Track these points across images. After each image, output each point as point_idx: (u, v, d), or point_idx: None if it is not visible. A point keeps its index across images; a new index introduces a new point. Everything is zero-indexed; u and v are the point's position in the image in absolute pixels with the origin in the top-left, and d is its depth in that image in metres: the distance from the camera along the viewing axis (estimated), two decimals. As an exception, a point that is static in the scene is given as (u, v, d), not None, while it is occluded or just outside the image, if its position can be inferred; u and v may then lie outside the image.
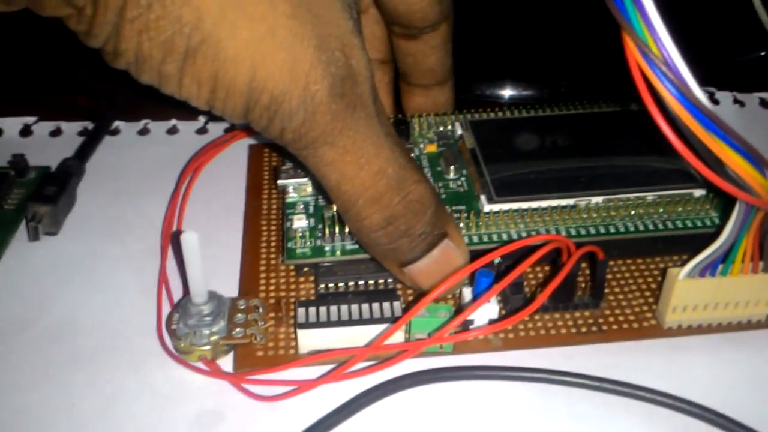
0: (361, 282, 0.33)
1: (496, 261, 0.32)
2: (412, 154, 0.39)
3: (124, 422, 0.28)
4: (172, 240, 0.36)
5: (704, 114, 0.23)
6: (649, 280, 0.34)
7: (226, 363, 0.30)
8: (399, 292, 0.33)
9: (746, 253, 0.29)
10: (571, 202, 0.35)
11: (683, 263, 0.32)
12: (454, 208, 0.35)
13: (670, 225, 0.34)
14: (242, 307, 0.31)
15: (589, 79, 0.49)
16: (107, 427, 0.28)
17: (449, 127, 0.41)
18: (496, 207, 0.35)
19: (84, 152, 0.42)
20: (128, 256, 0.36)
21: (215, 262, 0.34)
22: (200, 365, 0.30)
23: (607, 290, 0.33)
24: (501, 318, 0.31)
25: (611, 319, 0.32)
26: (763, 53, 0.50)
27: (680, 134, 0.24)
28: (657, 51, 0.23)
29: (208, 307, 0.29)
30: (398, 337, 0.30)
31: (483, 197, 0.35)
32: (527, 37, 0.51)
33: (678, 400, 0.28)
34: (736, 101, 0.49)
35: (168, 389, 0.29)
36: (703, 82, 0.24)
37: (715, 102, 0.49)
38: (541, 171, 0.36)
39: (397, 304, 0.31)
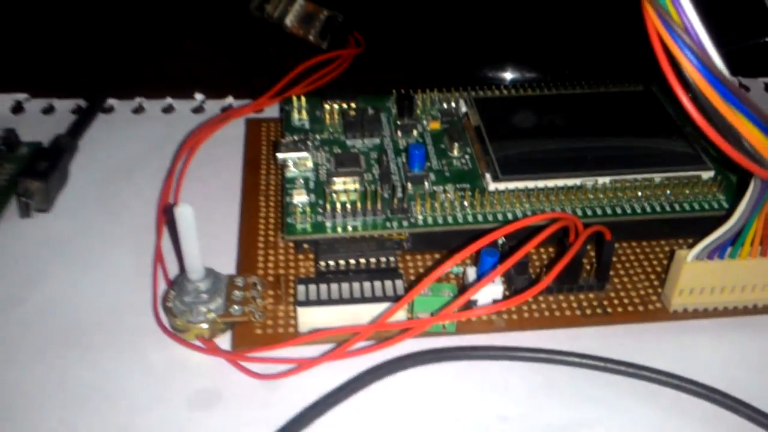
0: (362, 260, 0.32)
1: (501, 241, 0.32)
2: (415, 131, 0.38)
3: (119, 400, 0.27)
4: (167, 214, 0.35)
5: (725, 85, 0.23)
6: (655, 263, 0.34)
7: (224, 341, 0.30)
8: (401, 271, 0.32)
9: (756, 236, 0.29)
10: (577, 182, 0.34)
11: (690, 246, 0.31)
12: (457, 186, 0.34)
13: (677, 207, 0.34)
14: (240, 285, 0.30)
15: (593, 63, 0.48)
16: (102, 404, 0.27)
17: (453, 104, 0.40)
18: (501, 185, 0.34)
19: (77, 129, 0.41)
20: (123, 234, 0.35)
21: (212, 241, 0.33)
22: (197, 343, 0.29)
23: (612, 272, 0.33)
24: (505, 299, 0.31)
25: (616, 301, 0.32)
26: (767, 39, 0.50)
27: (699, 107, 0.23)
28: (678, 18, 0.22)
29: (204, 284, 0.29)
30: (401, 316, 0.29)
31: (488, 175, 0.34)
32: (530, 20, 0.50)
33: (684, 381, 0.28)
34: (741, 86, 0.49)
35: (164, 367, 0.29)
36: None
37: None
38: (546, 150, 0.36)
39: (399, 283, 0.30)
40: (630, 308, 0.31)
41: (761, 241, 0.29)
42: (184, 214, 0.26)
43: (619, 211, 0.33)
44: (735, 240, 0.29)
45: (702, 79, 0.22)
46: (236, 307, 0.29)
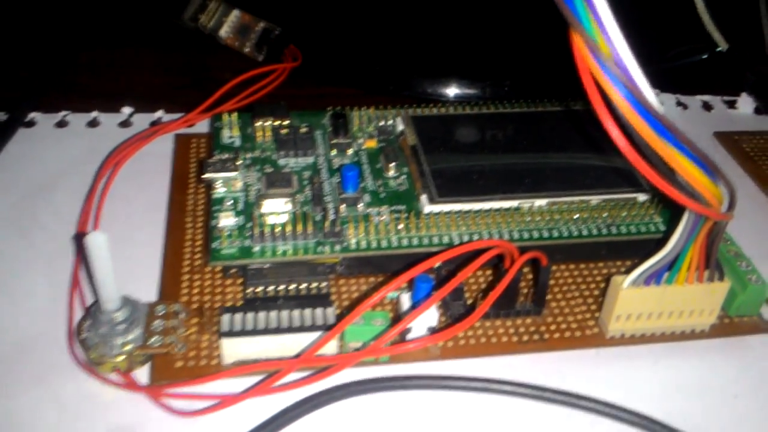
0: (292, 286, 0.30)
1: (437, 265, 0.31)
2: (351, 150, 0.37)
3: (27, 441, 0.25)
4: (77, 241, 0.33)
5: (656, 118, 0.22)
6: (592, 286, 0.33)
7: (144, 374, 0.28)
8: (333, 298, 0.31)
9: (692, 263, 0.29)
10: (514, 204, 0.34)
11: (627, 269, 0.31)
12: (393, 208, 0.33)
13: (614, 230, 0.33)
14: (161, 313, 0.28)
15: (534, 77, 0.48)
16: (8, 446, 0.25)
17: (390, 122, 0.39)
18: (437, 208, 0.33)
19: (-6, 144, 0.39)
20: (38, 258, 0.33)
21: (134, 264, 0.32)
22: (114, 377, 0.27)
23: (549, 296, 0.32)
24: (441, 326, 0.30)
25: (553, 327, 0.31)
26: (705, 56, 0.51)
27: (630, 139, 0.23)
28: (607, 51, 0.21)
29: (121, 314, 0.27)
30: (331, 346, 0.28)
31: (424, 197, 0.34)
32: (470, 35, 0.50)
33: (620, 410, 0.27)
34: (679, 104, 0.49)
35: (78, 403, 0.27)
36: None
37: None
38: (484, 171, 0.35)
39: (330, 311, 0.29)
40: (567, 334, 0.31)
41: (697, 266, 0.29)
42: (95, 242, 0.24)
43: (555, 234, 0.33)
44: (671, 266, 0.29)
45: (632, 112, 0.22)
46: (156, 337, 0.27)
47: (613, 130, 0.22)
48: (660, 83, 0.50)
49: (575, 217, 0.33)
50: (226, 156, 0.34)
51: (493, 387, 0.28)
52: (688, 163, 0.23)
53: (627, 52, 0.21)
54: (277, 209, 0.32)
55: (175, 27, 0.52)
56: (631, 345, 0.31)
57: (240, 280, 0.32)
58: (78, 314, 0.30)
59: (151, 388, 0.27)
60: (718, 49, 0.50)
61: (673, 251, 0.28)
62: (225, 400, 0.26)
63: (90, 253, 0.24)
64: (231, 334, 0.27)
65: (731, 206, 0.26)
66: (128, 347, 0.27)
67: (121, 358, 0.27)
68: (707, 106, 0.49)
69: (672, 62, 0.51)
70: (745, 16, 0.52)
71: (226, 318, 0.28)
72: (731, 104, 0.50)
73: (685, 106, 0.49)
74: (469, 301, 0.32)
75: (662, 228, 0.34)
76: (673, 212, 0.34)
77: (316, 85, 0.49)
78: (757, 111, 0.49)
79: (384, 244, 0.32)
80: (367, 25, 0.51)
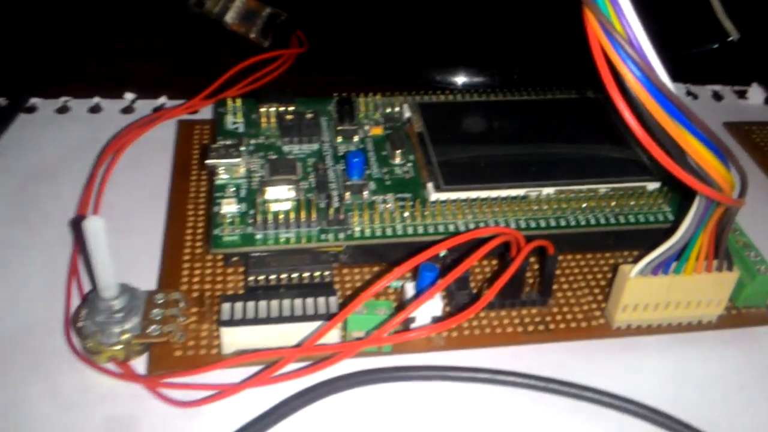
0: (295, 275, 0.30)
1: (442, 254, 0.30)
2: (356, 137, 0.36)
3: (24, 430, 0.25)
4: (75, 227, 0.33)
5: (669, 99, 0.21)
6: (599, 276, 0.33)
7: (142, 364, 0.27)
8: (336, 287, 0.30)
9: (701, 251, 0.28)
10: (521, 192, 0.33)
11: (634, 259, 0.31)
12: (398, 195, 0.33)
13: (621, 219, 0.33)
14: (160, 302, 0.28)
15: (543, 66, 0.47)
16: (3, 436, 0.25)
17: (397, 109, 0.39)
18: (443, 196, 0.33)
19: (-6, 130, 0.39)
20: (37, 245, 0.33)
21: (134, 252, 0.31)
22: (111, 367, 0.27)
23: (555, 286, 0.32)
24: (445, 315, 0.29)
25: (559, 317, 0.31)
26: (716, 45, 0.50)
27: (642, 121, 0.22)
28: (621, 29, 0.21)
29: (119, 302, 0.26)
30: (333, 335, 0.28)
31: (430, 185, 0.33)
32: (479, 22, 0.49)
33: (626, 402, 0.27)
34: (689, 93, 0.49)
35: (74, 393, 0.26)
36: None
37: (668, 94, 0.48)
38: (491, 159, 0.34)
39: (333, 300, 0.28)
40: (573, 324, 0.30)
41: (706, 256, 0.28)
42: (93, 228, 0.23)
43: (563, 223, 0.32)
44: (680, 255, 0.28)
45: (645, 93, 0.21)
46: (154, 326, 0.27)
47: (625, 111, 0.21)
48: (671, 72, 0.49)
49: (583, 206, 0.33)
50: (229, 142, 0.34)
51: (497, 378, 0.28)
52: (700, 145, 0.23)
53: (641, 31, 0.21)
54: (280, 196, 0.32)
55: (180, 13, 0.51)
56: (638, 336, 0.30)
57: (242, 269, 0.31)
58: (75, 302, 0.29)
59: (148, 378, 0.27)
60: (730, 38, 0.49)
61: (682, 239, 0.27)
62: (224, 390, 0.26)
63: (87, 239, 0.24)
64: (231, 323, 0.27)
65: (743, 192, 0.26)
66: (126, 336, 0.26)
67: (119, 347, 0.27)
68: (717, 96, 0.49)
69: (683, 51, 0.50)
70: (756, 5, 0.51)
71: (226, 306, 0.27)
72: (742, 94, 0.49)
73: (695, 96, 0.48)
74: (475, 291, 0.31)
75: (671, 218, 0.33)
76: (682, 199, 0.33)
77: (322, 72, 0.48)
78: (768, 101, 0.49)
79: (389, 232, 0.31)
80: (375, 12, 0.50)
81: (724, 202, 0.25)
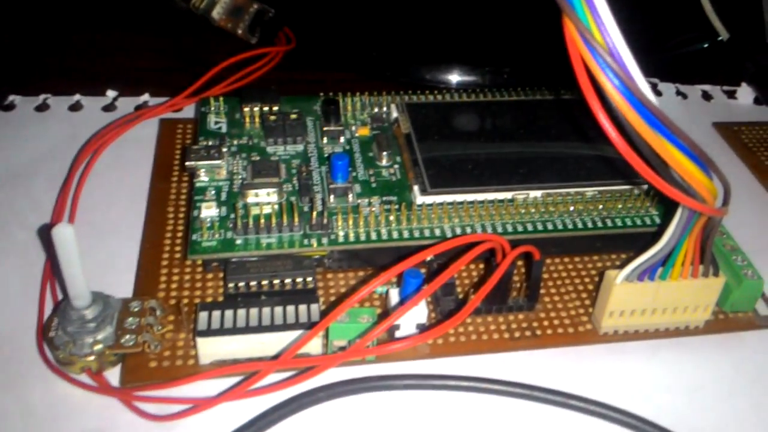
0: (276, 281, 0.29)
1: (429, 258, 0.30)
2: (343, 138, 0.36)
3: (-7, 443, 0.24)
4: (41, 236, 0.32)
5: (650, 111, 0.21)
6: (587, 280, 0.32)
7: (116, 375, 0.27)
8: (320, 291, 0.30)
9: (687, 258, 0.28)
10: (508, 195, 0.32)
11: (622, 263, 0.30)
12: (384, 198, 0.32)
13: (609, 223, 0.32)
14: (135, 310, 0.27)
15: (533, 65, 0.46)
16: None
17: (384, 109, 0.38)
18: (429, 199, 0.32)
19: (-30, 128, 0.38)
20: (10, 248, 0.32)
21: (111, 257, 0.30)
22: (84, 378, 0.26)
23: (542, 291, 0.31)
24: (430, 322, 0.29)
25: (546, 323, 0.30)
26: (706, 45, 0.49)
27: (623, 132, 0.21)
28: (601, 39, 0.20)
29: (91, 311, 0.26)
30: (315, 344, 0.27)
31: (416, 188, 0.32)
32: (469, 20, 0.48)
33: (612, 410, 0.27)
34: (678, 93, 0.48)
35: (46, 406, 0.25)
36: (646, 72, 0.21)
37: (658, 93, 0.47)
38: (478, 161, 0.34)
39: (314, 307, 0.28)
40: (560, 330, 0.30)
41: (692, 261, 0.28)
42: (62, 235, 0.22)
43: (550, 226, 0.32)
44: (665, 261, 0.28)
45: (625, 103, 0.21)
46: (128, 336, 0.26)
47: (605, 122, 0.21)
48: (660, 72, 0.48)
49: (570, 209, 0.32)
50: (211, 143, 0.33)
51: (482, 386, 0.27)
52: (681, 156, 0.22)
53: (621, 41, 0.20)
54: (262, 199, 0.31)
55: (166, 7, 0.51)
56: (625, 341, 0.30)
57: (221, 275, 0.30)
58: (49, 310, 0.29)
59: (122, 391, 0.26)
60: (719, 38, 0.48)
61: (666, 246, 0.27)
62: (200, 404, 0.25)
63: (57, 247, 0.23)
64: (208, 333, 0.26)
65: (726, 201, 0.26)
66: (99, 347, 0.26)
67: (92, 357, 0.26)
68: (707, 96, 0.48)
69: (673, 51, 0.50)
70: (746, 6, 0.50)
71: (203, 316, 0.26)
72: (731, 94, 0.49)
73: (684, 96, 0.48)
74: (461, 296, 0.30)
75: (658, 221, 0.33)
76: (667, 206, 0.33)
77: (310, 70, 0.47)
78: (757, 101, 0.48)
79: (374, 236, 0.31)
80: (363, 9, 0.49)
81: (707, 212, 0.24)
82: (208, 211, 0.30)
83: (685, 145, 0.22)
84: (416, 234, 0.31)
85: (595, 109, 0.21)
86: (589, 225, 0.32)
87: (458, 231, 0.31)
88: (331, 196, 0.32)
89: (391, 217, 0.31)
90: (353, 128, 0.37)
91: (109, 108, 0.42)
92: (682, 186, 0.23)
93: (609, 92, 0.20)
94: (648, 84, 0.21)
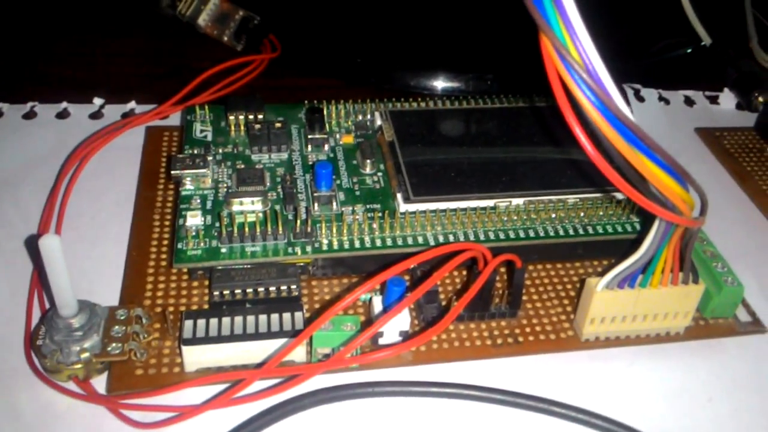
0: (261, 289, 0.29)
1: (411, 267, 0.30)
2: (327, 146, 0.36)
3: (-22, 451, 0.25)
4: (29, 245, 0.32)
5: (626, 126, 0.21)
6: (569, 286, 0.33)
7: (103, 383, 0.27)
8: (305, 299, 0.30)
9: (666, 265, 0.28)
10: (491, 203, 0.33)
11: (603, 270, 0.30)
12: (367, 206, 0.33)
13: (590, 230, 0.33)
14: (122, 318, 0.27)
15: (517, 71, 0.47)
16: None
17: (368, 117, 0.38)
18: (412, 207, 0.32)
19: (-43, 135, 0.38)
20: (-2, 257, 0.32)
21: (98, 265, 0.31)
22: (71, 386, 0.26)
23: (525, 297, 0.32)
24: (413, 331, 0.29)
25: (528, 329, 0.31)
26: (689, 50, 0.50)
27: (599, 147, 0.22)
28: (577, 55, 0.20)
29: (78, 319, 0.26)
30: (299, 352, 0.27)
31: (399, 196, 0.33)
32: (452, 27, 0.49)
33: (594, 416, 0.27)
34: (661, 98, 0.49)
35: (32, 413, 0.26)
36: (628, 78, 0.22)
37: (641, 99, 0.48)
38: (461, 169, 0.34)
39: (299, 315, 0.28)
40: (542, 336, 0.30)
41: (671, 269, 0.28)
42: (49, 246, 0.23)
43: (532, 234, 0.32)
44: (645, 268, 0.28)
45: (601, 119, 0.21)
46: (115, 344, 0.26)
47: (582, 137, 0.21)
48: (643, 78, 0.49)
49: (552, 216, 0.33)
50: (196, 151, 0.33)
51: (465, 393, 0.28)
52: (657, 170, 0.23)
53: (597, 57, 0.21)
54: (247, 208, 0.31)
55: (152, 14, 0.51)
56: (607, 348, 0.30)
57: (207, 283, 0.31)
58: (36, 318, 0.29)
59: (108, 399, 0.26)
60: (702, 43, 0.49)
61: (645, 256, 0.27)
62: (185, 412, 0.25)
63: (44, 257, 0.23)
64: (193, 341, 0.26)
65: (702, 212, 0.26)
66: (85, 355, 0.26)
67: (79, 365, 0.26)
68: (689, 102, 0.49)
69: (656, 56, 0.50)
70: (728, 11, 0.51)
71: (188, 324, 0.27)
72: (713, 99, 0.49)
73: (667, 101, 0.48)
74: (444, 303, 0.31)
75: (639, 228, 0.33)
76: (647, 214, 0.33)
77: (295, 76, 0.47)
78: (739, 107, 0.49)
79: (357, 244, 0.31)
80: (348, 16, 0.49)
81: (683, 224, 0.25)
82: (194, 219, 0.31)
83: (660, 159, 0.22)
84: (399, 242, 0.31)
85: (572, 124, 0.21)
86: (571, 232, 0.33)
87: (441, 238, 0.31)
88: (316, 205, 0.32)
89: (375, 225, 0.32)
90: (337, 136, 0.37)
91: (96, 115, 0.42)
92: (659, 198, 0.24)
93: (585, 108, 0.21)
94: (630, 90, 0.22)
